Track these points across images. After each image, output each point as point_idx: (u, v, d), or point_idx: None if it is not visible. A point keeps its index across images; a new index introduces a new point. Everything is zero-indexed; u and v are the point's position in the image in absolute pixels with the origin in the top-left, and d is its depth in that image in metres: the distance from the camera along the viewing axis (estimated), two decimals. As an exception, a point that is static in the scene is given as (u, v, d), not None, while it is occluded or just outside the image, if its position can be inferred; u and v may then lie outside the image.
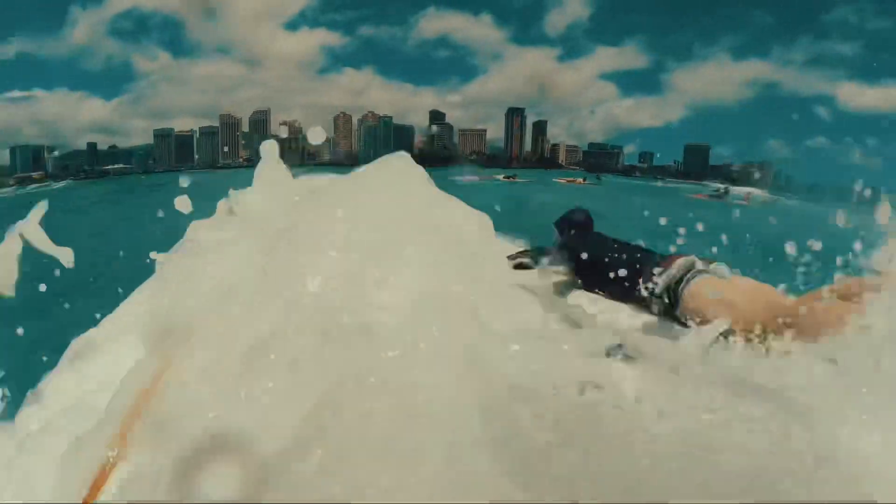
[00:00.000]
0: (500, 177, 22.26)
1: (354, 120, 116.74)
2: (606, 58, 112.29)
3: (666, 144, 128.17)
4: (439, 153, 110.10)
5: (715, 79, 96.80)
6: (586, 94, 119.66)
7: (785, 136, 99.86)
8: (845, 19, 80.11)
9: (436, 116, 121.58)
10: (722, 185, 40.18)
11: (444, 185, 1.07)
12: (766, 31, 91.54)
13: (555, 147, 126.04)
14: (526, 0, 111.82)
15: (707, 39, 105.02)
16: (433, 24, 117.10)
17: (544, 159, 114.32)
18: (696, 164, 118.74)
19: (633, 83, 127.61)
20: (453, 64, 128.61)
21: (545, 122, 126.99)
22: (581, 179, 19.79)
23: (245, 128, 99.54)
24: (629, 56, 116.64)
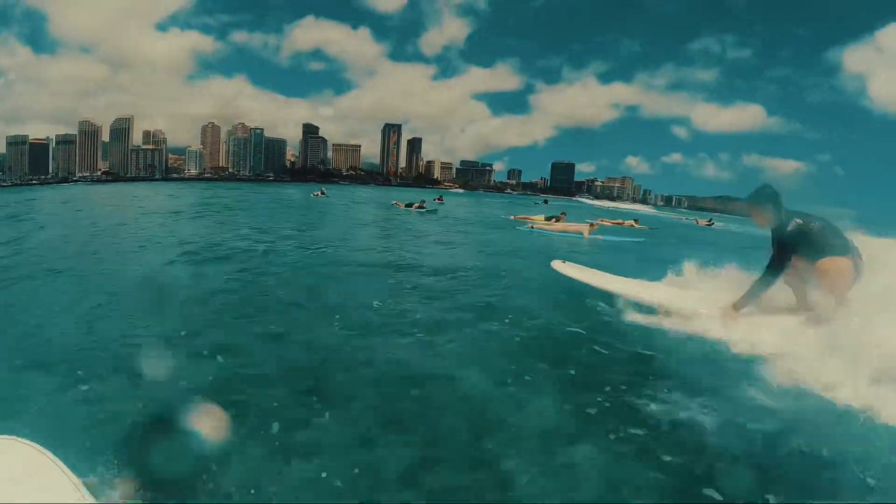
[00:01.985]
0: (414, 206, 19.70)
1: (223, 131, 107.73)
2: (479, 78, 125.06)
3: (534, 162, 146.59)
4: (314, 168, 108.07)
5: (581, 101, 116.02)
6: (459, 113, 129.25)
7: (645, 152, 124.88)
8: (707, 49, 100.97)
9: (309, 130, 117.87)
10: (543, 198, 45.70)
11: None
12: (632, 58, 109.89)
13: (429, 164, 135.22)
14: (405, 17, 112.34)
15: (576, 64, 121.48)
16: (310, 34, 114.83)
17: (420, 176, 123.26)
18: (562, 181, 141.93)
19: (503, 103, 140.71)
20: (328, 76, 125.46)
21: (419, 139, 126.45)
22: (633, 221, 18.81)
23: (105, 137, 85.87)
24: (501, 77, 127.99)
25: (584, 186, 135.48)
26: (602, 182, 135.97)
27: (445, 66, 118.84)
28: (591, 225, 13.60)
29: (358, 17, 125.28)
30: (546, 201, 36.94)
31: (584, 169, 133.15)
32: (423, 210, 19.30)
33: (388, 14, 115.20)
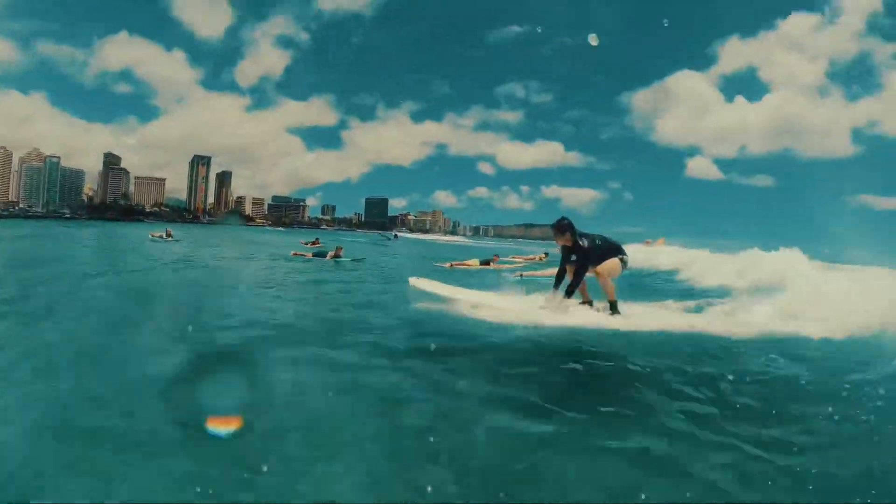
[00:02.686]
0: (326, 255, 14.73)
1: (15, 158, 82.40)
2: (295, 112, 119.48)
3: (348, 197, 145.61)
4: (115, 204, 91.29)
5: (394, 138, 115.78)
6: (273, 147, 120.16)
7: (453, 187, 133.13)
8: (513, 93, 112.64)
9: (111, 160, 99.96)
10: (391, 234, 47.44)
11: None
12: (443, 98, 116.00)
13: (240, 199, 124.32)
14: (223, 44, 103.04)
15: (390, 102, 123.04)
16: (122, 51, 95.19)
17: (232, 212, 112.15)
18: (376, 215, 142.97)
19: (319, 138, 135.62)
20: (135, 101, 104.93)
21: (229, 172, 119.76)
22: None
23: None
24: (317, 112, 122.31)
25: (397, 220, 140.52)
26: (415, 216, 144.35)
27: (261, 97, 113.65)
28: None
29: (174, 39, 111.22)
30: (396, 236, 37.72)
31: (396, 204, 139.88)
32: (340, 259, 14.39)
33: (207, 39, 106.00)
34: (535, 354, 4.01)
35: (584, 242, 5.21)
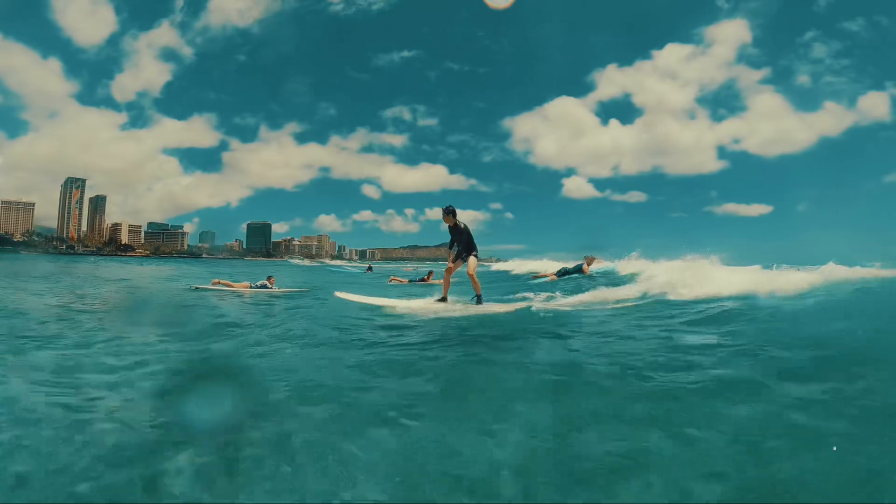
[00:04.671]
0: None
1: None
2: (173, 131, 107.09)
3: (227, 223, 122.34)
4: None
5: (277, 160, 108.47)
6: (147, 169, 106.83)
7: (337, 211, 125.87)
8: (400, 116, 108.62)
9: None
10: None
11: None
12: (328, 121, 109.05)
13: (116, 227, 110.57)
14: (102, 53, 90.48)
15: (273, 123, 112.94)
16: None
17: (111, 241, 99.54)
18: (259, 242, 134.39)
19: (196, 160, 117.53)
20: (2, 114, 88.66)
21: (103, 197, 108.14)
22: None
23: None
24: (196, 132, 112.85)
25: (281, 246, 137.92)
26: (300, 241, 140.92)
27: (137, 115, 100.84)
28: None
29: (51, 45, 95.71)
30: (370, 268, 36.94)
31: (278, 229, 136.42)
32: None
33: (86, 47, 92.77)
34: (430, 329, 5.32)
35: (462, 226, 7.10)
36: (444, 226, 7.22)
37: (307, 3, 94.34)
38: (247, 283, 11.58)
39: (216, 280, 11.89)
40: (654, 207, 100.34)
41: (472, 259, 7.04)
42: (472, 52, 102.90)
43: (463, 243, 7.09)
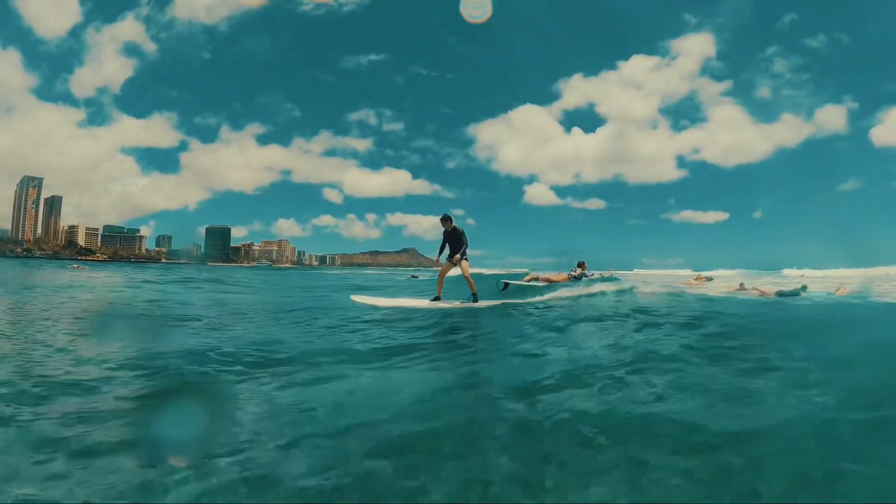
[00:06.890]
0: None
1: None
2: (131, 130, 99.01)
3: (185, 226, 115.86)
4: None
5: (236, 162, 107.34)
6: (104, 169, 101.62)
7: (297, 215, 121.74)
8: (365, 120, 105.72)
9: None
10: None
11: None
12: (291, 123, 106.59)
13: (72, 229, 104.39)
14: (63, 46, 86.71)
15: (235, 124, 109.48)
16: None
17: (70, 244, 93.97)
18: (218, 247, 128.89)
19: (154, 160, 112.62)
20: None
21: (59, 197, 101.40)
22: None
23: None
24: (156, 131, 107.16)
25: (241, 251, 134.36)
26: (259, 246, 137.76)
27: (96, 111, 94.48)
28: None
29: (11, 34, 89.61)
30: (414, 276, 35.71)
31: (236, 233, 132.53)
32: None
33: (46, 38, 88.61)
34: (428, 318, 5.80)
35: (460, 230, 7.81)
36: (441, 230, 7.94)
37: (276, 1, 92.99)
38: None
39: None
40: (613, 214, 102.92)
41: (464, 263, 7.71)
42: (441, 58, 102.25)
43: (460, 246, 7.73)
